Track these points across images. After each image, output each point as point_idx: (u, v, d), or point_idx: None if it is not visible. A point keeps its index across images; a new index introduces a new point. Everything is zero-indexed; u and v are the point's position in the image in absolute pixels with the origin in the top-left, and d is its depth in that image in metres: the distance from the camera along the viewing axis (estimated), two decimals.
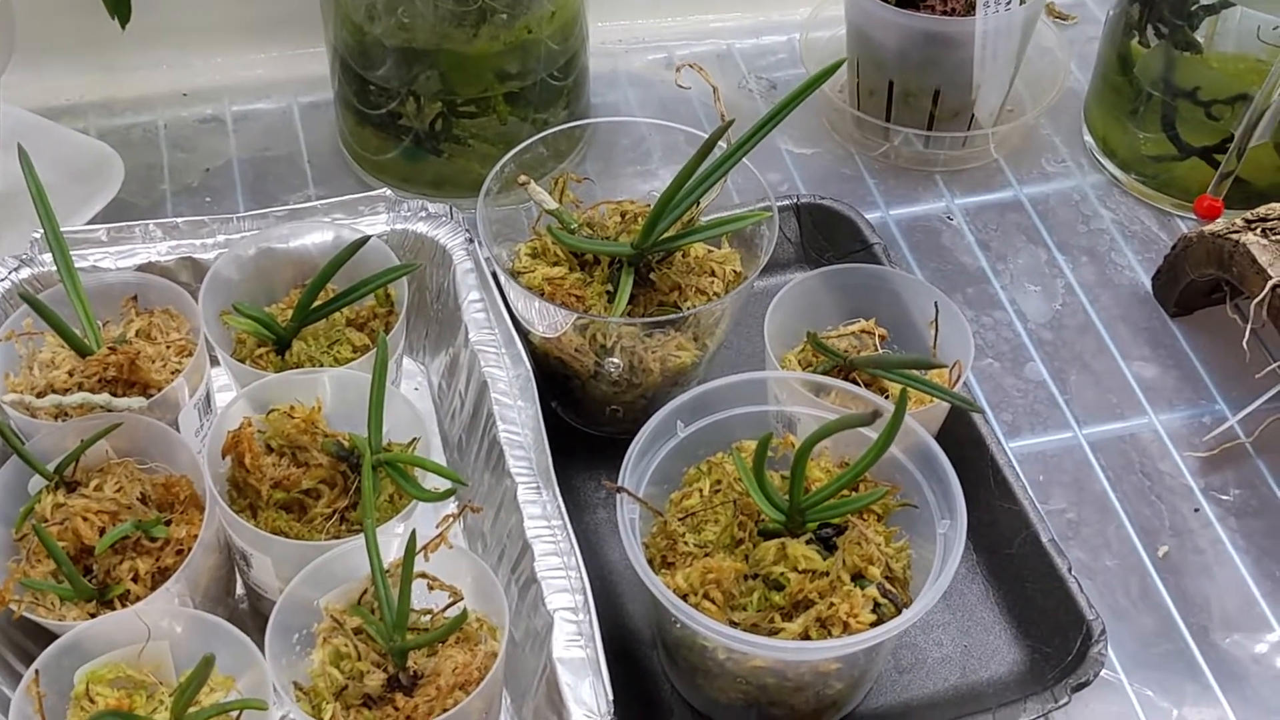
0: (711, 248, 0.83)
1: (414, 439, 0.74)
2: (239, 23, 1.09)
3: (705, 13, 1.15)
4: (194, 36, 1.09)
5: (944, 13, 0.95)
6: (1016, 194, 1.02)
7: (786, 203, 0.94)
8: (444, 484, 0.73)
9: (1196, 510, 0.84)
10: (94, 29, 0.99)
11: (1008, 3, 0.92)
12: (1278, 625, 0.79)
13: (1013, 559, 0.79)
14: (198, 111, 1.08)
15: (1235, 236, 0.84)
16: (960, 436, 0.81)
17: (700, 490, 0.73)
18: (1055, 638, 0.75)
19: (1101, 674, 0.74)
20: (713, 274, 0.82)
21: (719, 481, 0.73)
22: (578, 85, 1.01)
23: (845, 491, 0.70)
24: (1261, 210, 0.85)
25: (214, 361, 0.82)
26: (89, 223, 0.92)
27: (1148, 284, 0.95)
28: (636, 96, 1.09)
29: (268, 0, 1.08)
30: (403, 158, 0.99)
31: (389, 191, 0.87)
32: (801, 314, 0.82)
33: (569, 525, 0.72)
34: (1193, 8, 0.93)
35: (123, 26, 0.96)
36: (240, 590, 0.78)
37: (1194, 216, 0.97)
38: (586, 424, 0.86)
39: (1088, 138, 1.04)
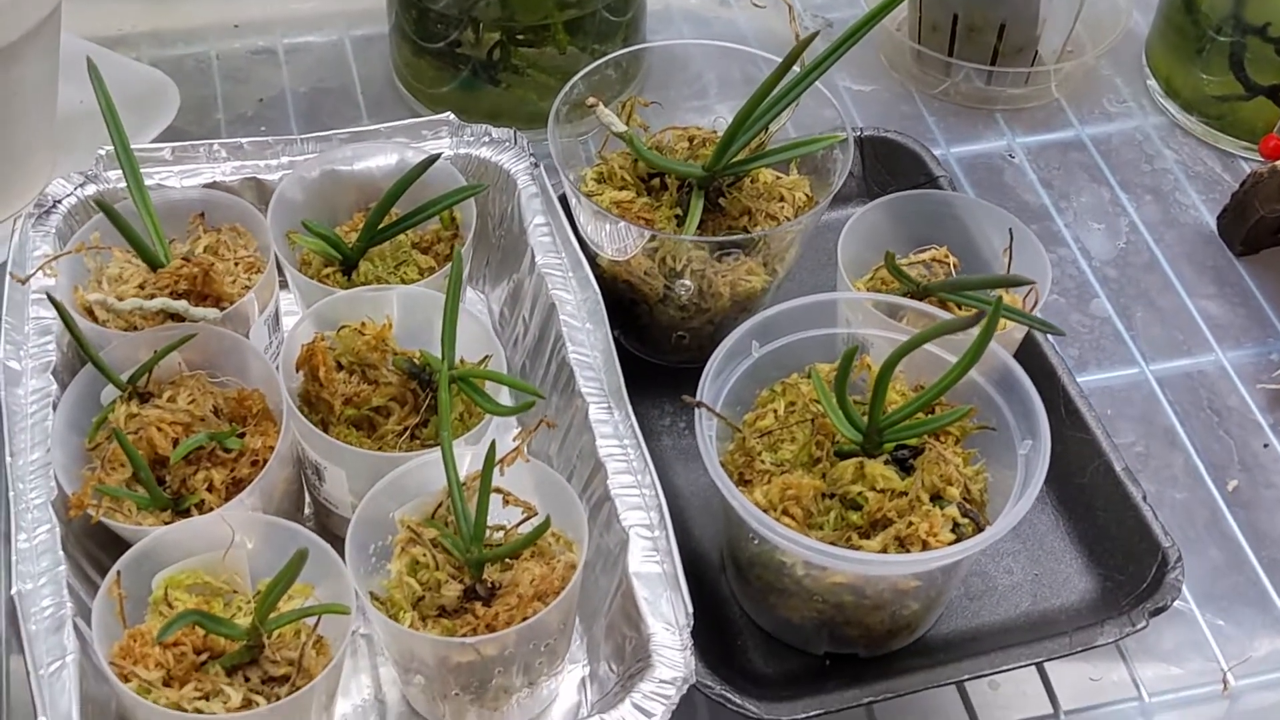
0: (780, 175, 0.82)
1: (486, 356, 0.74)
2: None
3: None
4: None
5: None
6: (1078, 133, 1.01)
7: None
8: (521, 403, 0.73)
9: (1265, 446, 0.83)
10: None
11: None
12: None
13: (1084, 488, 0.78)
14: (250, 43, 1.07)
15: None
16: (1030, 367, 0.79)
17: (775, 411, 0.72)
18: (1130, 565, 0.75)
19: (1174, 604, 0.74)
20: (782, 199, 0.81)
21: (793, 403, 0.72)
22: (635, 19, 1.00)
23: (921, 415, 0.69)
24: None
25: (281, 285, 0.81)
26: None
27: (1212, 224, 0.94)
28: (692, 33, 1.09)
29: None
30: (460, 89, 0.98)
31: (452, 116, 0.86)
32: (871, 243, 0.81)
33: (643, 443, 0.72)
34: None
35: None
36: (308, 510, 0.77)
37: (1259, 158, 0.96)
38: (651, 353, 0.86)
39: (1150, 79, 1.03)
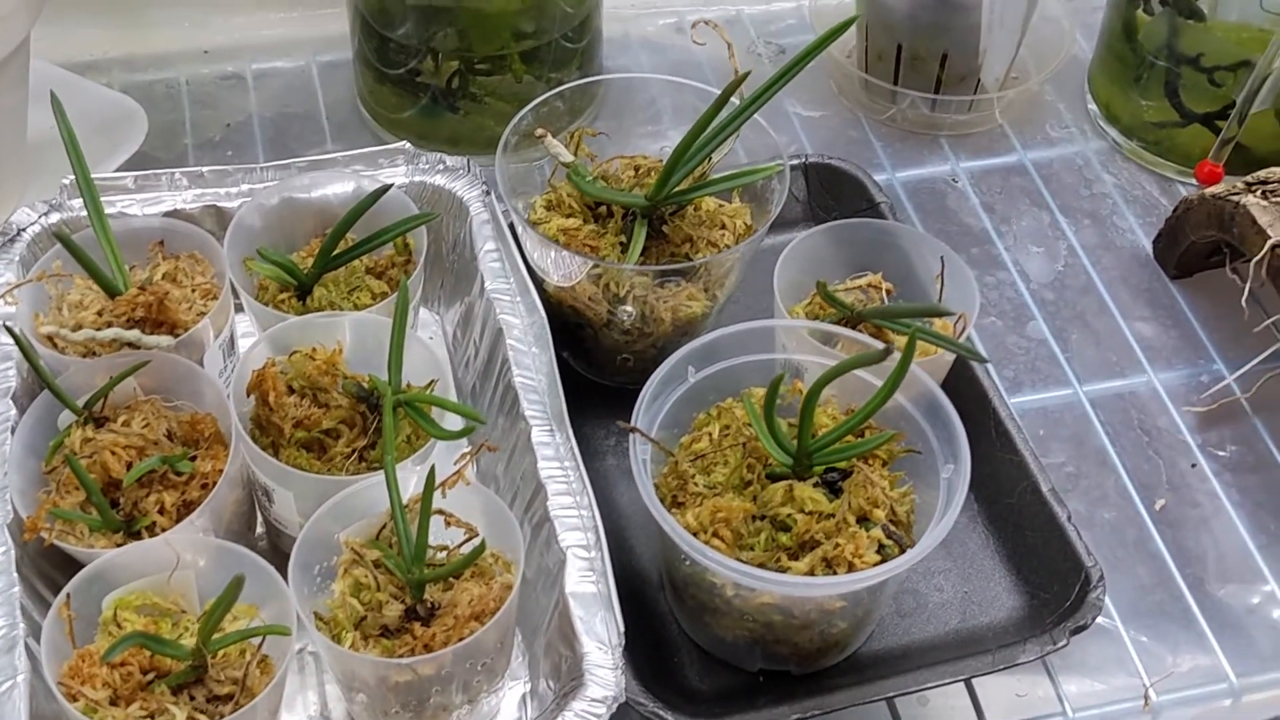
0: (722, 202, 0.85)
1: (432, 380, 0.76)
2: None
3: None
4: None
5: None
6: (1021, 158, 1.04)
7: (795, 162, 0.96)
8: (463, 427, 0.75)
9: (1193, 465, 0.86)
10: None
11: None
12: (1272, 577, 0.81)
13: (1013, 508, 0.81)
14: (219, 69, 1.10)
15: (1236, 198, 0.86)
16: (963, 389, 0.83)
17: (710, 434, 0.75)
18: (1054, 584, 0.77)
19: (1098, 621, 0.76)
20: (723, 227, 0.84)
21: (728, 426, 0.75)
22: (591, 47, 1.03)
23: (851, 438, 0.72)
24: (1262, 173, 0.87)
25: (237, 309, 0.84)
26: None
27: (1149, 247, 0.97)
28: (649, 60, 1.11)
29: None
30: (420, 115, 1.01)
31: (408, 144, 0.89)
32: (809, 269, 0.84)
33: (582, 466, 0.74)
34: None
35: None
36: (260, 530, 0.80)
37: (1195, 182, 0.98)
38: (597, 374, 0.88)
39: (1091, 105, 1.06)
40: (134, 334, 0.74)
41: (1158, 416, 0.88)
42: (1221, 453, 0.86)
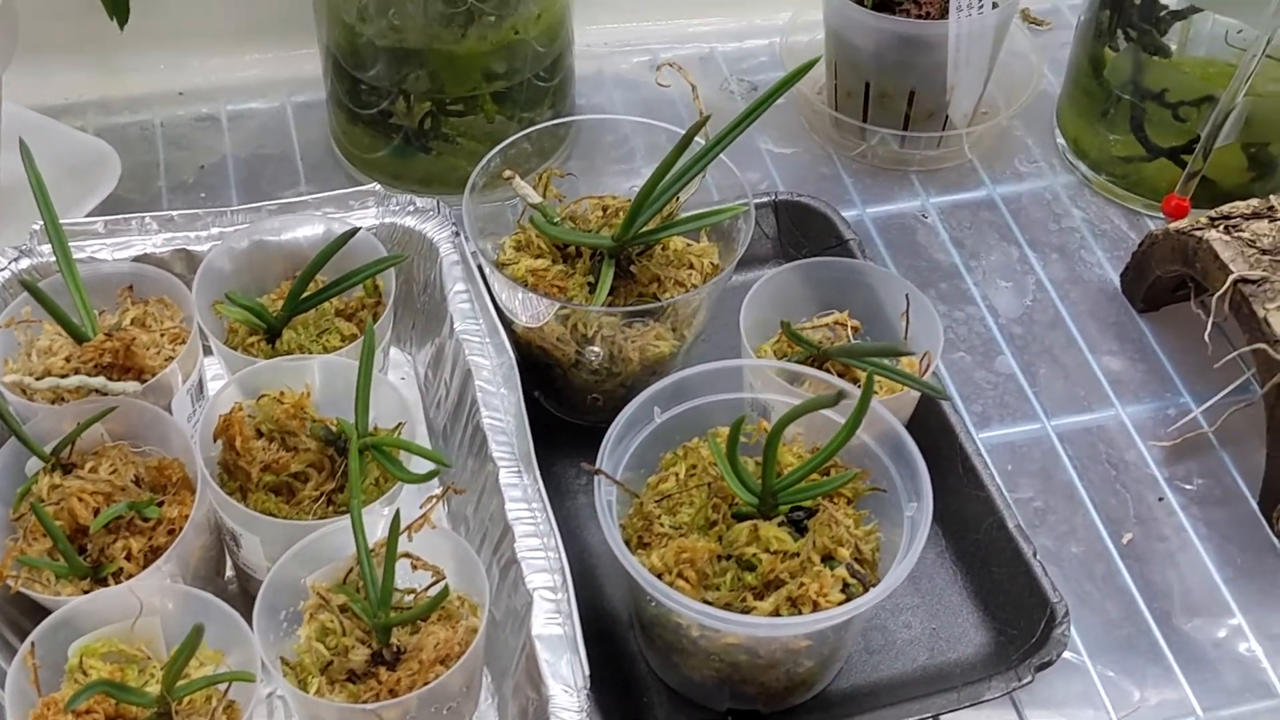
0: (690, 241, 0.86)
1: (399, 424, 0.77)
2: (234, 24, 1.12)
3: (688, 16, 1.18)
4: (191, 37, 1.12)
5: (919, 16, 0.97)
6: (990, 193, 1.04)
7: (765, 199, 0.96)
8: (428, 471, 0.76)
9: (1160, 499, 0.86)
10: (93, 29, 1.02)
11: (980, 7, 0.95)
12: (1238, 611, 0.81)
13: (980, 544, 0.81)
14: (194, 110, 1.10)
15: (1199, 233, 0.86)
16: (930, 425, 0.84)
17: (676, 474, 0.75)
18: (1020, 620, 0.78)
19: (1065, 655, 0.76)
20: (691, 266, 0.84)
21: (694, 466, 0.75)
22: (563, 86, 1.03)
23: (815, 476, 0.72)
24: (1225, 208, 0.88)
25: (207, 351, 0.84)
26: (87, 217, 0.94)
27: (1116, 281, 0.97)
28: (621, 98, 1.12)
29: (263, 2, 1.10)
30: (392, 155, 1.02)
31: (378, 186, 0.89)
32: (777, 306, 0.84)
33: (549, 508, 0.75)
34: (1161, 13, 0.95)
35: (121, 27, 0.99)
36: (230, 572, 0.80)
37: (1162, 216, 0.99)
38: (568, 413, 0.89)
39: (1059, 139, 1.07)
40: (99, 381, 0.75)
41: (1125, 450, 0.88)
42: (1188, 486, 0.87)
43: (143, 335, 0.79)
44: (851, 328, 0.84)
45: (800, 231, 0.96)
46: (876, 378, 0.80)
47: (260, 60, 1.13)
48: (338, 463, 0.76)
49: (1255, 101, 0.93)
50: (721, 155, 0.81)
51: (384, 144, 1.01)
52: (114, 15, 0.99)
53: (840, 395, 0.64)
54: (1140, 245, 0.93)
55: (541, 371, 0.86)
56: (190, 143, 1.08)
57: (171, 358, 0.79)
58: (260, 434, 0.76)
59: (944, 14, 0.97)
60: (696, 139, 0.78)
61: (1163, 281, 0.92)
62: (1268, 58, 0.90)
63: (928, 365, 0.80)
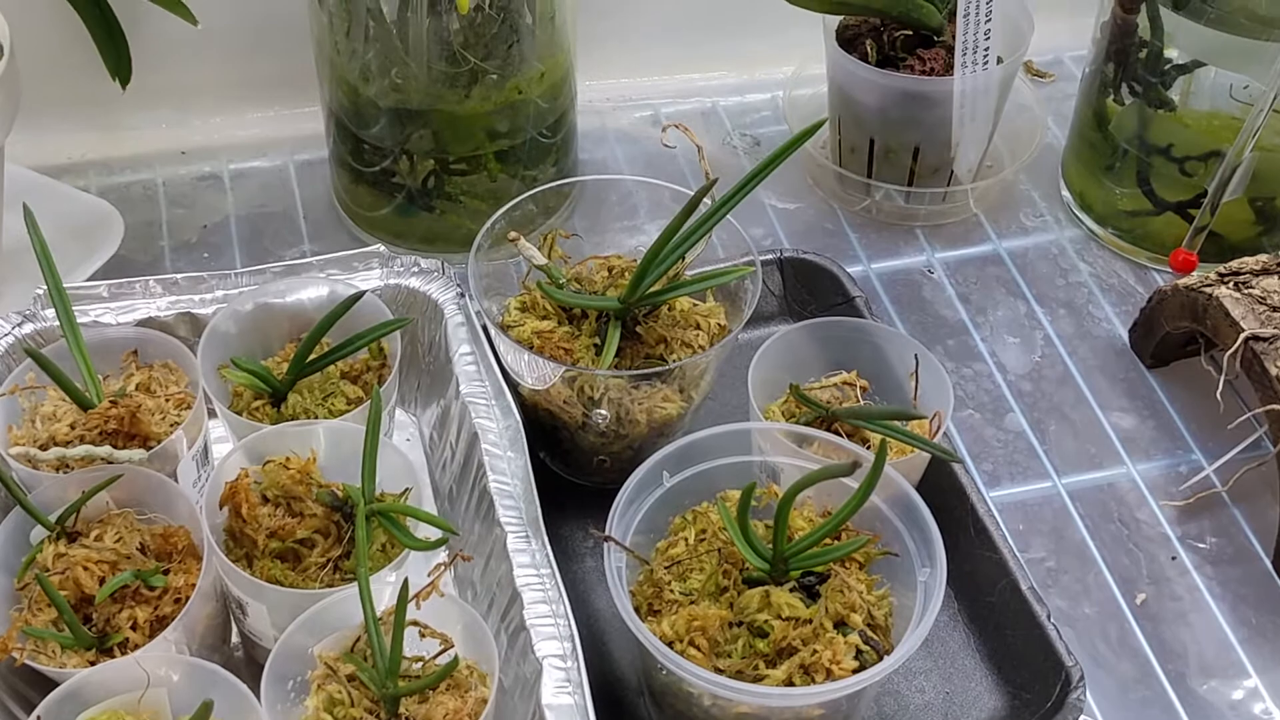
0: (697, 301, 0.85)
1: (406, 489, 0.76)
2: (236, 83, 1.12)
3: (691, 71, 1.18)
4: (193, 97, 1.12)
5: (923, 72, 0.97)
6: (996, 248, 1.04)
7: (770, 257, 0.96)
8: (436, 533, 0.75)
9: (1174, 558, 0.85)
10: (95, 89, 1.02)
11: (985, 63, 0.95)
12: (1254, 672, 0.81)
13: (993, 607, 0.80)
14: (196, 169, 1.10)
15: (1209, 290, 0.86)
16: (942, 485, 0.83)
17: (686, 539, 0.75)
18: (1035, 684, 0.77)
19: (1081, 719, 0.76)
20: (698, 327, 0.84)
21: (704, 530, 0.75)
22: (566, 142, 1.03)
23: (827, 540, 0.72)
24: (1234, 264, 0.88)
25: (212, 414, 0.83)
26: (90, 278, 0.94)
27: (1125, 336, 0.97)
28: (624, 153, 1.12)
29: (264, 61, 1.10)
30: (396, 214, 1.01)
31: (382, 248, 0.89)
32: (785, 366, 0.84)
33: (557, 574, 0.74)
34: (1166, 67, 0.95)
35: (123, 87, 0.99)
36: (236, 638, 0.79)
37: (1170, 270, 0.99)
38: (575, 475, 0.88)
39: (1065, 193, 1.07)
40: (105, 450, 0.74)
41: (1137, 509, 0.88)
42: (1201, 545, 0.86)
43: (148, 401, 0.79)
44: (860, 387, 0.84)
45: (806, 289, 0.96)
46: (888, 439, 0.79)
47: (262, 119, 1.13)
48: (344, 528, 0.75)
49: (1262, 156, 0.93)
50: (729, 215, 0.81)
51: (387, 203, 1.01)
52: (116, 75, 0.99)
53: (855, 465, 0.64)
54: (1149, 301, 0.93)
55: (548, 433, 0.85)
56: (193, 202, 1.07)
57: (177, 423, 0.78)
58: (266, 500, 0.76)
59: (948, 70, 0.97)
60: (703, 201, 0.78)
61: (1172, 337, 0.92)
62: (1274, 112, 0.90)
63: (938, 426, 0.80)
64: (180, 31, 0.95)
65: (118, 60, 0.99)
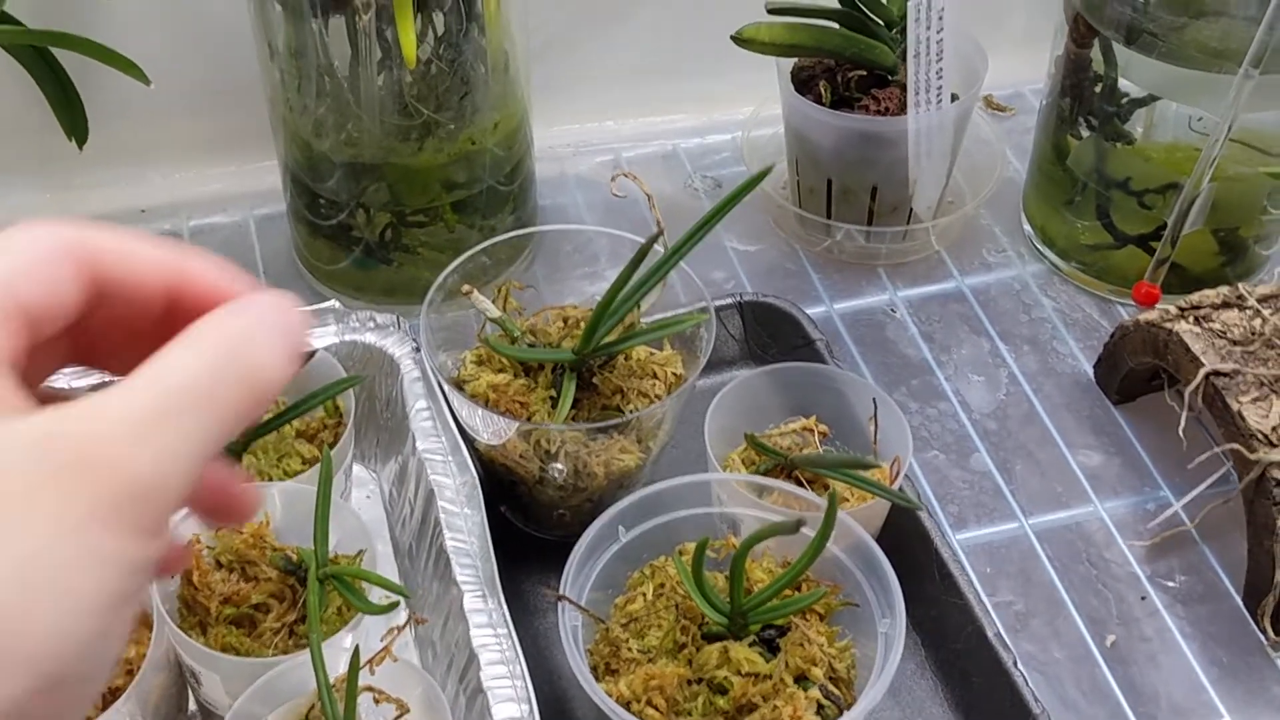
0: (654, 350, 0.84)
1: (360, 551, 0.75)
2: (195, 139, 1.11)
3: (650, 114, 1.17)
4: (151, 153, 1.11)
5: (877, 112, 0.97)
6: (959, 285, 1.03)
7: (729, 301, 0.95)
8: (388, 603, 0.74)
9: (1143, 598, 0.84)
10: (52, 148, 1.01)
11: (939, 101, 0.95)
12: (1225, 712, 0.79)
13: (959, 654, 0.79)
14: (156, 226, 1.09)
15: (1169, 325, 0.85)
16: (906, 530, 0.82)
17: (644, 594, 0.74)
18: None
19: None
20: (655, 376, 0.83)
21: (662, 585, 0.74)
22: (524, 190, 1.03)
23: (787, 592, 0.71)
24: (1194, 298, 0.87)
25: None
26: None
27: (1090, 372, 0.96)
28: (585, 198, 1.11)
29: (222, 117, 1.09)
30: (354, 267, 1.01)
31: (337, 303, 0.88)
32: (744, 412, 0.83)
33: (513, 633, 0.73)
34: (1122, 100, 0.95)
35: (80, 147, 0.98)
36: (193, 707, 0.78)
37: (1133, 303, 0.98)
38: (536, 528, 0.87)
39: (1027, 227, 1.06)
40: None
41: (1105, 548, 0.87)
42: (1171, 583, 0.85)
43: None
44: (820, 433, 0.83)
45: (766, 332, 0.95)
46: (848, 486, 0.79)
47: (222, 174, 1.12)
48: (300, 592, 0.74)
49: (1223, 186, 0.92)
50: (682, 263, 0.80)
51: (345, 256, 1.00)
52: (72, 135, 0.99)
53: (799, 524, 0.63)
54: (1111, 337, 0.92)
55: (507, 488, 0.85)
56: None
57: None
58: (219, 565, 0.75)
59: (903, 109, 0.96)
60: (656, 247, 0.77)
61: (1137, 373, 0.91)
62: (1231, 141, 0.90)
63: (898, 472, 0.79)
64: (136, 90, 0.94)
65: (73, 120, 0.98)
